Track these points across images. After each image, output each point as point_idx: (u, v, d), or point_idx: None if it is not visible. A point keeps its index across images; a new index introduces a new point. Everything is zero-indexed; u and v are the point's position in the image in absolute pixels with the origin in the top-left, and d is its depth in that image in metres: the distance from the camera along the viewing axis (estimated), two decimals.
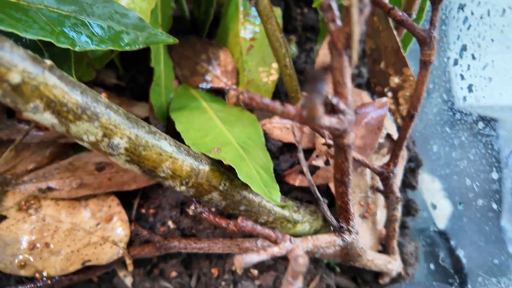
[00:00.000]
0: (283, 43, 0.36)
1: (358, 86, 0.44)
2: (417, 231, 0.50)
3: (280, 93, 0.43)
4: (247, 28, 0.40)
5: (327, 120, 0.20)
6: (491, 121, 0.76)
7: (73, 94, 0.21)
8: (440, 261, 0.43)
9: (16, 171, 0.37)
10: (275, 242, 0.25)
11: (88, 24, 0.28)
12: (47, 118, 0.21)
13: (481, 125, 0.62)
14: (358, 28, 0.18)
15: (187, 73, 0.43)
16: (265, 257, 0.22)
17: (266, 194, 0.28)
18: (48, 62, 0.21)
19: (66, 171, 0.36)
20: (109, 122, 0.23)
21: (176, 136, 0.32)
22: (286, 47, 0.36)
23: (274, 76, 0.40)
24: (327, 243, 0.27)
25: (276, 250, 0.23)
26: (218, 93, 0.44)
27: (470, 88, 0.74)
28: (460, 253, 0.47)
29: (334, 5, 0.19)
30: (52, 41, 0.25)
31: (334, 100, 0.21)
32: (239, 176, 0.27)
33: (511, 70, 0.74)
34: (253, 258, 0.22)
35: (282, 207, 0.33)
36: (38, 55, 0.21)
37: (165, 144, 0.26)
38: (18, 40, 0.28)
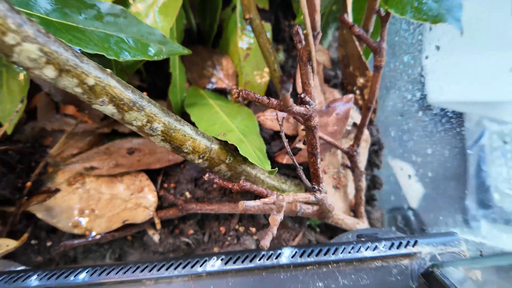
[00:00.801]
0: (272, 52, 0.46)
1: (334, 85, 0.54)
2: (383, 196, 0.60)
3: (271, 91, 0.54)
4: (244, 40, 0.51)
5: (297, 108, 0.30)
6: (459, 115, 0.88)
7: (127, 92, 0.32)
8: (398, 223, 0.54)
9: (63, 155, 0.47)
10: (266, 196, 0.35)
11: (126, 40, 0.39)
12: (110, 109, 0.31)
13: (450, 118, 0.73)
14: (314, 48, 0.29)
15: (196, 76, 0.54)
16: (259, 203, 0.32)
17: (259, 164, 0.38)
18: (108, 70, 0.32)
19: (104, 155, 0.47)
20: (151, 112, 0.33)
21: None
22: (274, 55, 0.47)
23: (266, 78, 0.51)
24: (304, 198, 0.38)
25: (267, 200, 0.33)
26: (221, 93, 0.54)
27: (440, 86, 0.87)
28: (414, 218, 0.57)
29: (300, 31, 0.29)
30: (104, 54, 0.36)
31: (302, 95, 0.31)
32: (240, 152, 0.38)
33: (473, 70, 0.85)
34: (251, 203, 0.32)
35: (270, 173, 0.43)
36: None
37: (187, 129, 0.36)
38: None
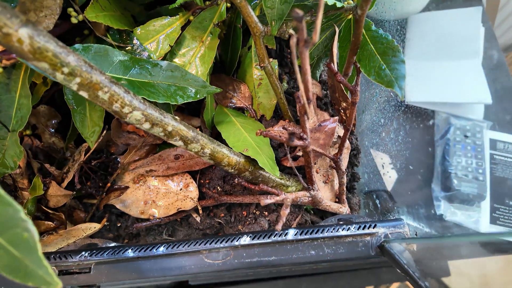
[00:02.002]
0: (280, 86, 0.63)
1: (325, 104, 0.71)
2: (363, 192, 0.79)
3: (278, 110, 0.71)
4: (257, 73, 0.68)
5: (297, 142, 0.48)
6: (429, 112, 1.06)
7: (190, 132, 0.49)
8: (370, 207, 0.72)
9: (128, 161, 0.65)
10: (277, 195, 0.53)
11: (180, 88, 0.55)
12: (179, 143, 0.49)
13: (422, 115, 0.91)
14: (308, 108, 0.46)
15: (220, 97, 0.71)
16: (273, 200, 0.51)
17: (271, 171, 0.56)
18: (177, 117, 0.49)
19: (158, 160, 0.64)
20: (203, 142, 0.51)
21: (217, 137, 0.61)
22: (281, 87, 0.64)
23: (274, 101, 0.68)
24: (302, 195, 0.56)
25: (278, 198, 0.51)
26: (239, 109, 0.71)
27: (415, 88, 1.05)
28: (380, 203, 0.76)
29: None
30: (169, 102, 0.53)
31: (301, 134, 0.49)
32: (259, 164, 0.55)
33: (443, 75, 1.03)
34: (268, 200, 0.50)
35: (280, 178, 0.62)
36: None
37: (224, 150, 0.54)
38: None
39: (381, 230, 0.52)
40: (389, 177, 0.96)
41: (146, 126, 0.45)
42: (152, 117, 0.44)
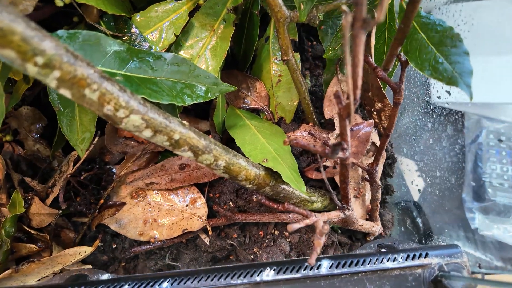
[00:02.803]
0: (304, 84, 0.54)
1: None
2: (394, 204, 0.69)
3: (298, 111, 0.61)
4: (275, 68, 0.58)
5: (338, 155, 0.38)
6: (459, 114, 0.96)
7: (201, 141, 0.39)
8: (407, 226, 0.63)
9: (125, 172, 0.56)
10: (306, 217, 0.44)
11: (188, 85, 0.46)
12: (188, 154, 0.39)
13: (451, 116, 0.81)
14: (353, 110, 0.37)
15: (232, 97, 0.61)
16: (303, 225, 0.41)
17: (299, 188, 0.46)
18: (186, 123, 0.39)
19: (160, 171, 0.55)
20: (217, 153, 0.41)
21: (227, 144, 0.51)
22: (305, 85, 0.54)
23: (295, 101, 0.58)
24: (335, 216, 0.46)
25: (307, 221, 0.42)
26: (254, 111, 0.61)
27: (444, 88, 0.95)
28: (421, 220, 0.67)
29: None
30: (175, 103, 0.43)
31: (342, 143, 0.39)
32: (283, 178, 0.46)
33: (474, 74, 0.92)
34: (296, 225, 0.40)
35: (305, 194, 0.52)
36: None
37: (242, 161, 0.44)
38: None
39: (434, 260, 0.42)
40: (416, 185, 0.87)
41: (147, 133, 0.35)
42: (155, 122, 0.35)
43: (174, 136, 0.37)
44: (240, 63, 0.61)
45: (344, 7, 0.29)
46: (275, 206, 0.45)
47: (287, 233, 0.55)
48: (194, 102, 0.45)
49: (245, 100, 0.61)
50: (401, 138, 0.89)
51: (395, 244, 0.46)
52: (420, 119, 0.89)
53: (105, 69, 0.40)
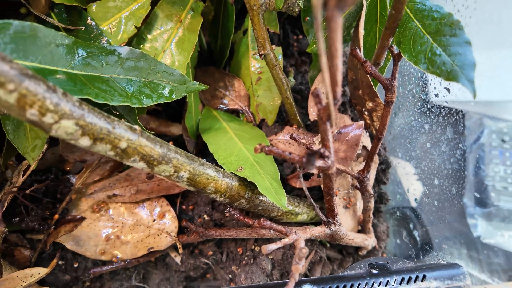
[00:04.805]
0: (285, 81, 0.48)
1: (343, 103, 0.56)
2: (389, 213, 0.63)
3: (282, 111, 0.55)
4: (255, 65, 0.52)
5: (318, 164, 0.32)
6: (459, 113, 0.90)
7: (156, 149, 0.33)
8: (403, 238, 0.57)
9: (86, 182, 0.49)
10: (286, 234, 0.38)
11: (148, 84, 0.40)
12: (140, 165, 0.33)
13: (450, 116, 0.75)
14: (333, 111, 0.30)
15: (209, 97, 0.55)
16: (281, 245, 0.35)
17: (278, 201, 0.40)
18: (138, 128, 0.33)
19: (125, 181, 0.49)
20: (177, 162, 0.35)
21: (205, 149, 0.45)
22: (287, 83, 0.48)
23: (278, 101, 0.52)
24: (320, 232, 0.40)
25: (286, 240, 0.36)
26: (233, 112, 0.55)
27: (442, 85, 0.88)
28: (418, 232, 0.60)
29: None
30: (129, 104, 0.37)
31: (322, 150, 0.33)
32: (259, 190, 0.40)
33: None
34: (273, 246, 0.35)
35: (287, 207, 0.46)
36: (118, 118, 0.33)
37: (210, 171, 0.38)
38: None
39: (433, 284, 0.36)
40: (413, 193, 0.81)
41: (85, 142, 0.29)
42: (94, 128, 0.29)
43: (119, 144, 0.31)
44: (217, 59, 0.55)
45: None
46: (250, 222, 0.39)
47: None
48: (155, 103, 0.39)
49: (223, 100, 0.54)
50: (396, 140, 0.83)
51: (388, 264, 0.40)
52: (416, 120, 0.83)
53: (41, 66, 0.34)
